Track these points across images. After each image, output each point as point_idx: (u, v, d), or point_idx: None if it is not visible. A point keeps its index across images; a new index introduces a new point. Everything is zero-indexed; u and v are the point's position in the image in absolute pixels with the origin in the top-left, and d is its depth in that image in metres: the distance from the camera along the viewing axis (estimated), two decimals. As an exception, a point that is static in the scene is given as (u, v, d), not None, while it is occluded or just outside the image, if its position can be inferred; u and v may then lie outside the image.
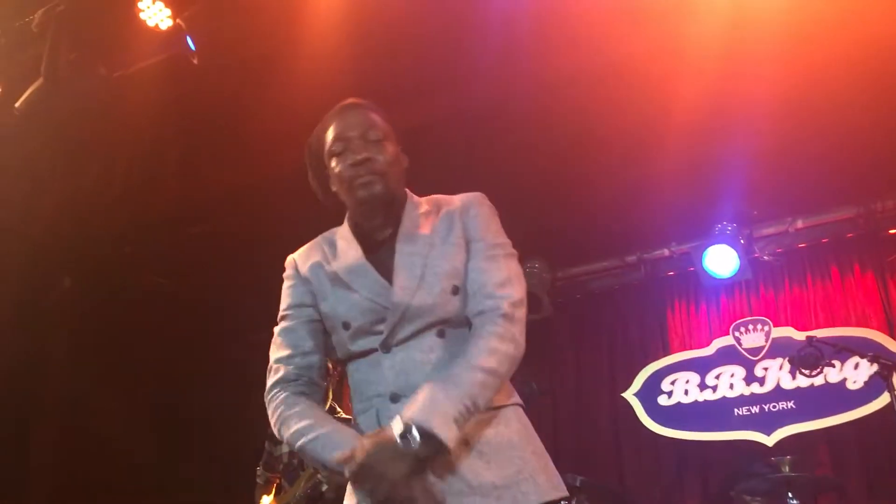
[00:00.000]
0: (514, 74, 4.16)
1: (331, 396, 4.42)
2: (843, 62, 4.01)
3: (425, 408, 1.66)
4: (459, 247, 1.92)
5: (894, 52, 3.95)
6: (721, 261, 5.45)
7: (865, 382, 5.08)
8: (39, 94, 3.74)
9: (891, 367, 3.76)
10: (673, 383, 5.84)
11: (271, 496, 4.29)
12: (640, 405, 5.85)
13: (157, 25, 3.68)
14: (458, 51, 3.94)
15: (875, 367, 3.80)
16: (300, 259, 2.04)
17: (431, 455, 1.65)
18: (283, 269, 2.06)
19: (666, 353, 5.96)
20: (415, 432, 1.62)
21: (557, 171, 4.85)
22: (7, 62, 3.85)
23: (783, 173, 4.90)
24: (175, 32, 3.61)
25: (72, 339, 5.95)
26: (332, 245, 2.01)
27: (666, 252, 5.88)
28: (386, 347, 1.85)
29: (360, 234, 1.98)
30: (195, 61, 3.60)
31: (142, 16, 3.66)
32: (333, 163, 1.95)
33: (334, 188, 1.98)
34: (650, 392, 5.86)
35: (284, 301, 2.02)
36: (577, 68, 4.11)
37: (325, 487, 4.06)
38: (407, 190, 2.02)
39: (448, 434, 1.63)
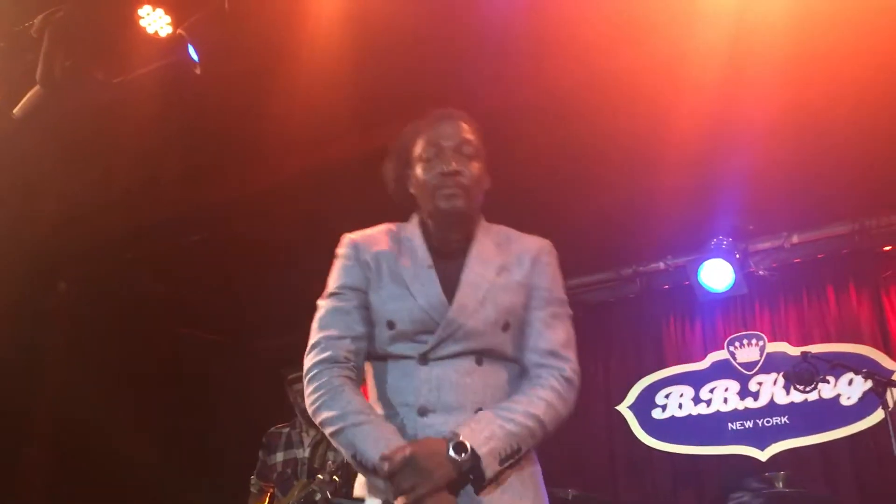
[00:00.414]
0: (513, 85, 4.17)
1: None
2: (840, 81, 4.03)
3: (481, 436, 1.72)
4: (523, 287, 1.96)
5: (890, 72, 3.98)
6: (716, 275, 5.45)
7: (860, 398, 5.09)
8: (37, 99, 3.75)
9: (885, 383, 3.77)
10: (667, 397, 5.84)
11: (264, 505, 4.28)
12: (634, 418, 5.85)
13: (156, 32, 3.69)
14: (457, 62, 3.96)
15: (869, 384, 3.81)
16: (363, 242, 2.02)
17: (467, 478, 1.72)
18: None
19: (661, 366, 5.96)
20: (468, 453, 1.70)
21: (554, 183, 4.87)
22: (6, 67, 3.86)
23: (779, 189, 4.92)
24: (176, 40, 3.62)
25: (67, 344, 5.95)
26: (399, 241, 2.01)
27: (661, 265, 5.88)
28: (424, 360, 1.86)
29: (430, 241, 1.99)
30: (198, 71, 3.61)
31: (141, 23, 3.66)
32: (420, 168, 1.97)
33: (412, 191, 2.02)
34: (644, 405, 5.85)
35: (339, 279, 1.99)
36: (578, 81, 4.13)
37: (318, 497, 4.05)
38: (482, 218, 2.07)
39: (490, 468, 1.72)
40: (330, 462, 4.07)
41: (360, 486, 1.89)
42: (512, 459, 1.76)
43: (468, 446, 1.70)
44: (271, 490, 4.34)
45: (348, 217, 5.25)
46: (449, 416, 1.81)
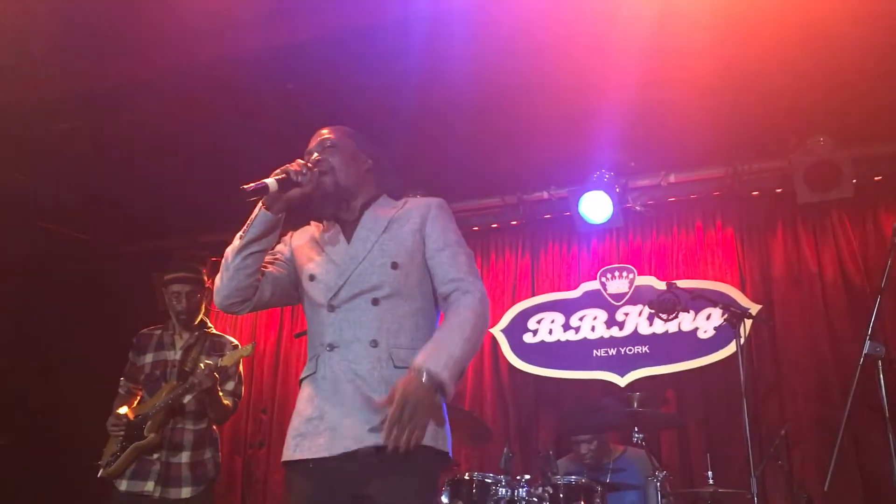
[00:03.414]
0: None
1: (203, 310, 4.34)
2: (719, 36, 4.15)
3: (441, 362, 2.15)
4: (415, 233, 2.39)
5: (770, 30, 4.13)
6: (596, 207, 5.61)
7: (716, 328, 5.43)
8: None
9: (740, 315, 4.03)
10: (539, 322, 6.03)
11: (130, 407, 4.18)
12: (505, 341, 6.03)
13: None
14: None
15: (725, 316, 4.06)
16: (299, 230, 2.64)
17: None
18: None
19: (535, 292, 6.15)
20: (437, 377, 2.13)
21: (447, 108, 4.84)
22: None
23: (662, 130, 5.08)
24: None
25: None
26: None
27: (545, 195, 6.00)
28: (330, 307, 2.33)
29: (335, 215, 2.51)
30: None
31: None
32: None
33: None
34: (517, 329, 6.03)
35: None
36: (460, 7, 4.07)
37: (187, 399, 4.01)
38: (385, 195, 2.54)
39: (451, 388, 2.17)
40: (203, 366, 4.02)
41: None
42: (462, 373, 2.19)
43: (433, 372, 2.12)
44: (140, 392, 4.25)
45: (239, 118, 5.06)
46: (347, 350, 2.27)
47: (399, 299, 2.32)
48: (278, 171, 2.32)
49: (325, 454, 2.19)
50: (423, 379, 2.10)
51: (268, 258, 2.50)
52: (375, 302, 2.30)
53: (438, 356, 2.14)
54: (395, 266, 2.33)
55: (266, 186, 2.26)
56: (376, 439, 2.14)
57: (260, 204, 2.34)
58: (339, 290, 2.33)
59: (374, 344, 2.25)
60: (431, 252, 2.38)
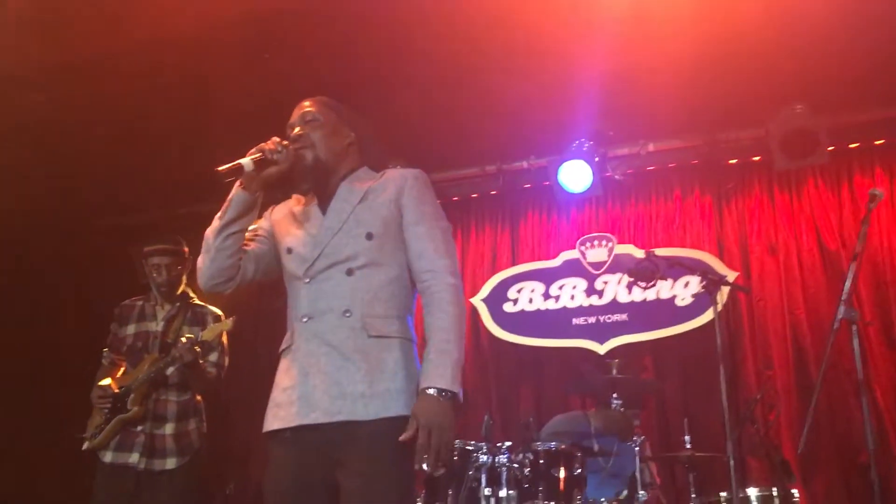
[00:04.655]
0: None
1: (184, 281, 4.33)
2: (698, 6, 4.20)
3: (447, 377, 2.18)
4: (390, 203, 2.38)
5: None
6: (575, 176, 5.64)
7: (693, 296, 5.50)
8: None
9: (717, 282, 4.09)
10: (519, 291, 6.07)
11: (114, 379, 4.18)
12: (486, 310, 6.07)
13: None
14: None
15: (703, 284, 4.11)
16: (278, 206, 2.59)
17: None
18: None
19: (515, 262, 6.19)
20: (448, 391, 2.18)
21: (426, 77, 4.83)
22: None
23: (640, 99, 5.11)
24: None
25: None
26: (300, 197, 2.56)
27: (525, 164, 6.02)
28: (306, 279, 2.34)
29: (315, 189, 2.48)
30: None
31: None
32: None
33: None
34: (497, 298, 6.08)
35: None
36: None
37: (170, 371, 4.01)
38: (366, 167, 2.52)
39: (461, 391, 2.21)
40: (184, 339, 4.01)
41: None
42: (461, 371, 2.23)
43: (445, 389, 2.16)
44: (123, 363, 4.24)
45: (218, 88, 5.01)
46: (321, 320, 2.28)
47: (374, 269, 2.32)
48: (254, 149, 2.29)
49: (297, 423, 2.21)
50: (438, 399, 2.15)
51: (249, 235, 2.50)
52: (350, 272, 2.30)
53: (444, 369, 2.18)
54: (369, 236, 2.33)
55: (241, 167, 2.24)
56: (348, 414, 2.17)
57: (237, 184, 2.33)
58: (314, 261, 2.34)
59: (348, 313, 2.26)
60: (407, 224, 2.38)
